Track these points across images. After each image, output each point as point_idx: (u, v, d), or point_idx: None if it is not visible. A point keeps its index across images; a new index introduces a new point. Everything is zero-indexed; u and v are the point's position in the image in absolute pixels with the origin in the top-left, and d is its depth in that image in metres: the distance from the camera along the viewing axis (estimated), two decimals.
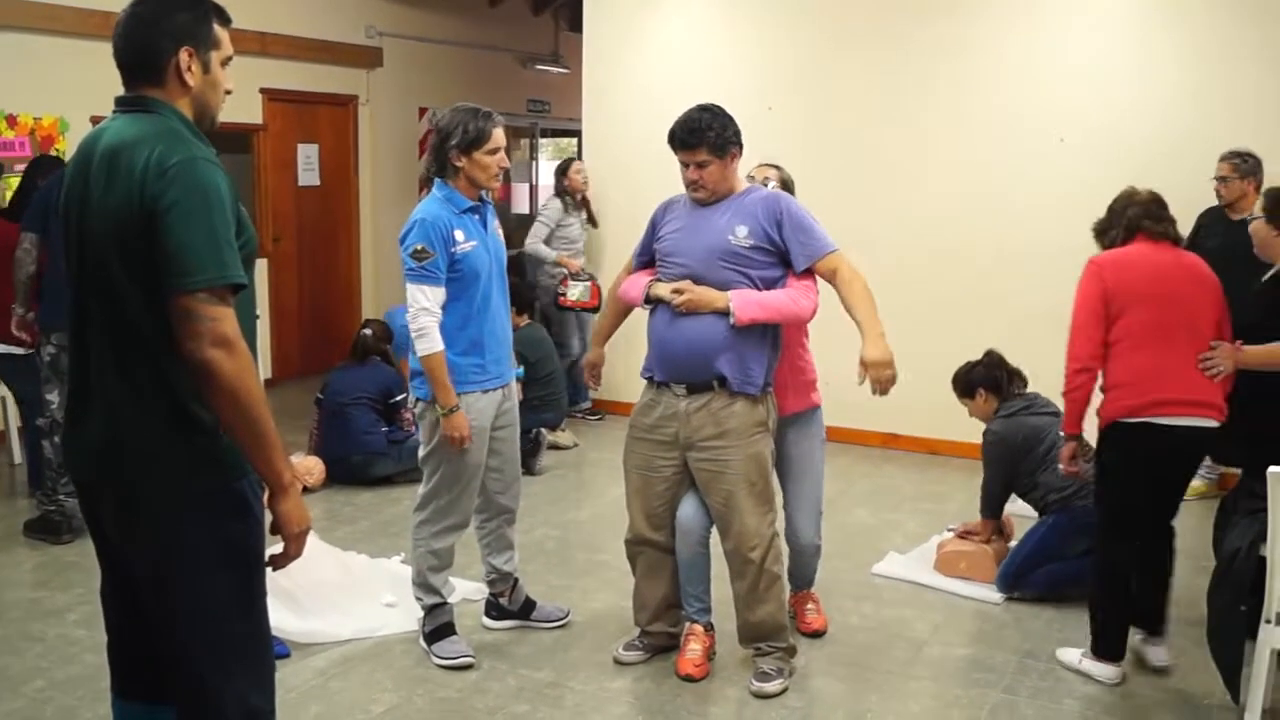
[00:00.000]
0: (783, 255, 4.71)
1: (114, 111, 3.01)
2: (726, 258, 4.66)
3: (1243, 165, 7.23)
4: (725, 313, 4.59)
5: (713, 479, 4.74)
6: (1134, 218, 4.91)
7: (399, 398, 7.91)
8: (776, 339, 4.84)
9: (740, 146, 4.76)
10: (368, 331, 8.29)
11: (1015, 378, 6.26)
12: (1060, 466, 5.20)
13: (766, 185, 5.18)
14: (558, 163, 10.29)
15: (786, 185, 5.31)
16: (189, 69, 2.96)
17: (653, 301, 4.78)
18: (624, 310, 5.17)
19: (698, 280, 4.67)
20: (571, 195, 9.73)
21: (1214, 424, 4.74)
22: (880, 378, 4.55)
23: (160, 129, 2.88)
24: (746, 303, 4.59)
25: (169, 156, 2.80)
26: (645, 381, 4.92)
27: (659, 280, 4.82)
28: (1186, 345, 4.75)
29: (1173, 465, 4.86)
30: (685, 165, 4.72)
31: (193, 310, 2.73)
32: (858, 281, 4.68)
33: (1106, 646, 4.99)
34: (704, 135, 4.63)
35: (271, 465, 2.91)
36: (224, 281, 2.78)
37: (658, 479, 4.88)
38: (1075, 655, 5.09)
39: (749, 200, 4.76)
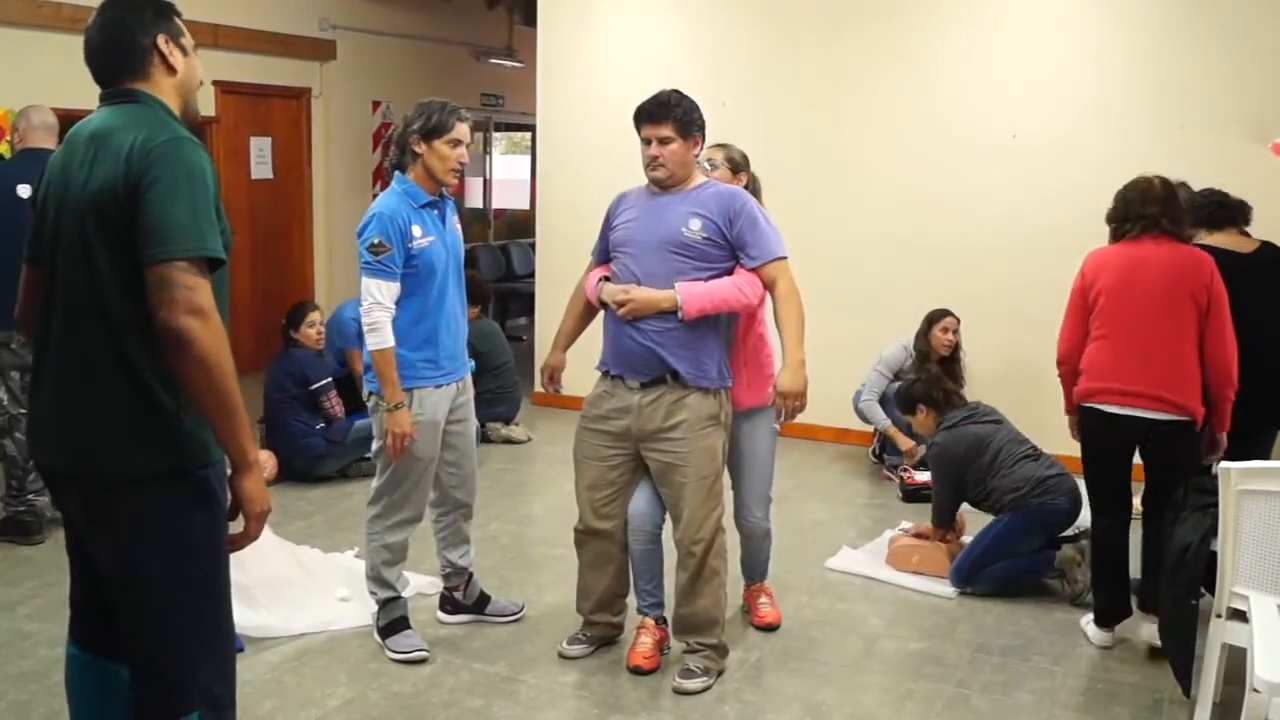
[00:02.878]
0: (734, 250, 4.71)
1: (99, 105, 3.07)
2: (678, 248, 4.67)
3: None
4: (673, 310, 4.61)
5: (664, 470, 4.76)
6: (1153, 216, 5.06)
7: (318, 384, 7.73)
8: (729, 329, 4.87)
9: (703, 134, 4.78)
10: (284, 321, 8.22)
11: (953, 396, 6.44)
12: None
13: (712, 166, 5.20)
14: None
15: (734, 162, 5.30)
16: (171, 54, 3.05)
17: (604, 304, 4.81)
18: (586, 312, 5.13)
19: (648, 269, 4.68)
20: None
21: (1161, 416, 4.96)
22: (790, 408, 4.64)
23: (146, 116, 2.95)
24: (692, 296, 4.60)
25: (155, 136, 2.85)
26: (600, 374, 4.93)
27: (608, 280, 4.83)
28: (1142, 337, 4.98)
29: (1112, 448, 5.16)
30: (647, 142, 4.71)
31: (169, 278, 2.74)
32: (793, 299, 4.69)
33: (1097, 611, 5.33)
34: (671, 110, 4.66)
35: (238, 440, 2.91)
36: (202, 253, 2.80)
37: (606, 468, 4.88)
38: (1088, 617, 5.42)
39: (706, 194, 4.75)
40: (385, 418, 4.76)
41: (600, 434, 4.87)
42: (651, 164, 4.72)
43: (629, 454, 4.84)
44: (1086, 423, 5.20)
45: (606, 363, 4.87)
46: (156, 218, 2.77)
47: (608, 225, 4.96)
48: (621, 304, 4.66)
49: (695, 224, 4.66)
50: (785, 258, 4.73)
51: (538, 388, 10.04)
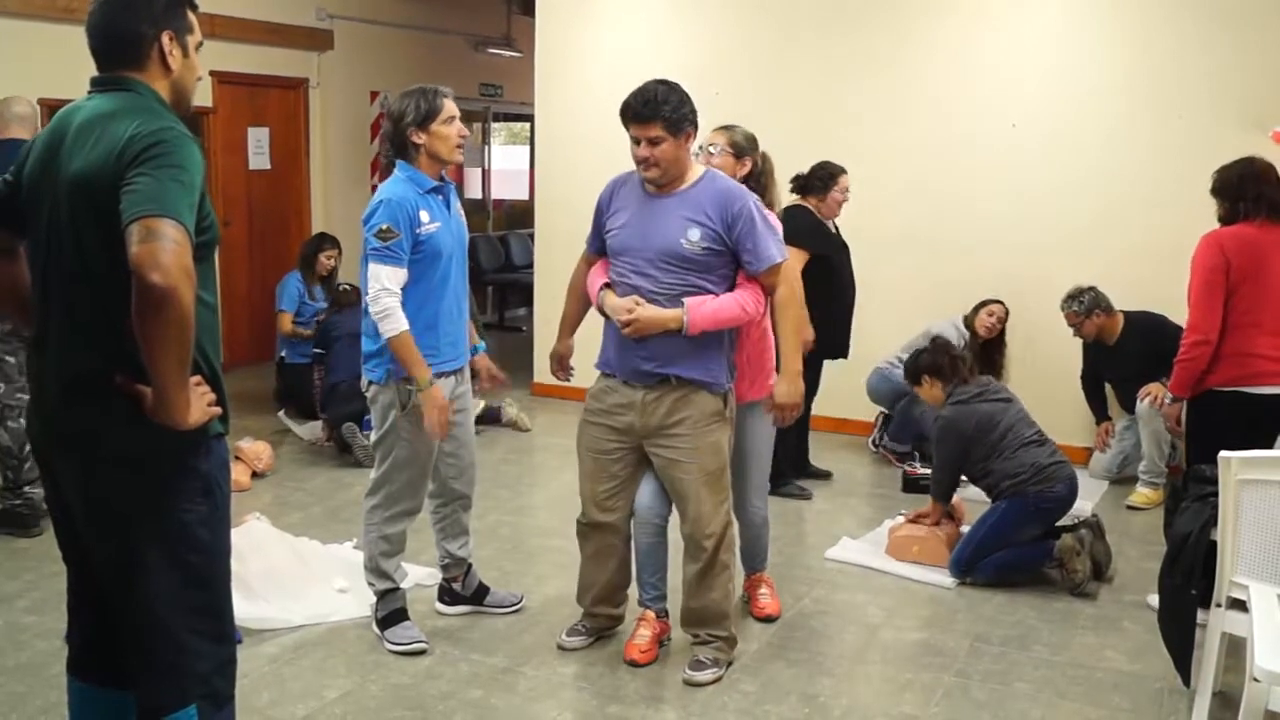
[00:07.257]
0: (734, 255, 4.59)
1: (90, 91, 3.03)
2: (677, 261, 4.53)
3: (1079, 307, 7.48)
4: (679, 330, 4.52)
5: (670, 466, 4.72)
6: (1272, 197, 5.22)
7: None
8: (732, 334, 4.79)
9: (696, 127, 4.56)
10: (347, 286, 8.49)
11: (960, 362, 6.34)
12: (1166, 426, 5.71)
13: (713, 150, 5.18)
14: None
15: (737, 146, 5.22)
16: (171, 53, 3.00)
17: (605, 313, 4.73)
18: (586, 298, 5.01)
19: (649, 282, 4.57)
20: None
21: None
22: (785, 418, 4.75)
23: (140, 105, 2.91)
24: (699, 316, 4.50)
25: (151, 124, 2.81)
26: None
27: (610, 286, 4.72)
28: (1275, 318, 5.18)
29: (1262, 429, 5.16)
30: (637, 141, 4.50)
31: (155, 229, 2.64)
32: (790, 307, 4.66)
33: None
34: (660, 108, 4.42)
35: (184, 399, 2.80)
36: (177, 216, 2.69)
37: (609, 462, 4.84)
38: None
39: (704, 195, 4.58)
40: (420, 399, 4.69)
41: (603, 427, 4.82)
42: (643, 165, 4.54)
43: (632, 448, 4.80)
44: (1226, 409, 5.26)
45: (609, 365, 4.78)
46: (142, 185, 2.68)
47: (600, 215, 4.82)
48: (626, 323, 4.55)
49: (695, 234, 4.51)
50: (783, 260, 4.63)
51: (538, 378, 10.13)
